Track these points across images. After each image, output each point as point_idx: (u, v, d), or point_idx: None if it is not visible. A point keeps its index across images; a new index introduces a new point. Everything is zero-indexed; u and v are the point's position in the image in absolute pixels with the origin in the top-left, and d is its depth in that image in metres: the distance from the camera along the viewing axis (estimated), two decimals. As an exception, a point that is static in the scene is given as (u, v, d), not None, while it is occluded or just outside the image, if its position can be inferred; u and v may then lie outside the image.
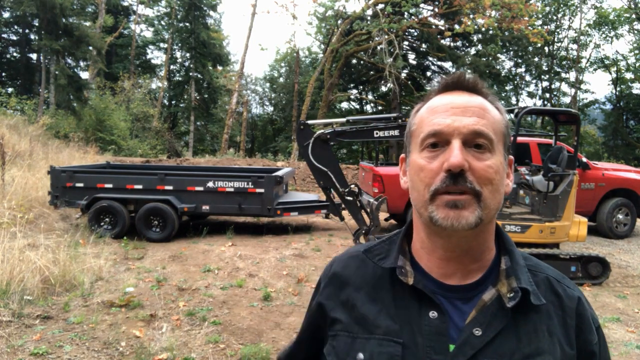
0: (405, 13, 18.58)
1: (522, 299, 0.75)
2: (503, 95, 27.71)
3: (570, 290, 0.82)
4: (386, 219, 8.84)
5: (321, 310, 0.88)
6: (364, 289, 0.84)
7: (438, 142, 0.75)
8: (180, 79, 30.04)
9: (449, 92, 0.80)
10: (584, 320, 0.80)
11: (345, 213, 6.58)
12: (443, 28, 19.11)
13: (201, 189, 7.20)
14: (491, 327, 0.74)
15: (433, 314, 0.76)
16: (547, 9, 25.68)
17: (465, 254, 0.79)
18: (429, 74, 26.72)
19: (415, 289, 0.79)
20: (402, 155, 0.87)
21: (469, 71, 22.45)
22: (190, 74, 28.04)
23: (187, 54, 28.81)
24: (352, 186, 5.80)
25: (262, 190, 7.20)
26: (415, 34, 23.23)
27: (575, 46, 26.74)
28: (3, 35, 25.60)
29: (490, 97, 0.80)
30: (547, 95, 27.99)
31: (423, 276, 0.81)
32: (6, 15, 23.02)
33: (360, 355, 0.78)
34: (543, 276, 0.82)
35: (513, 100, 28.54)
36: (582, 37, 26.33)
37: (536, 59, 26.75)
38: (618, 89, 26.33)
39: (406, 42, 23.61)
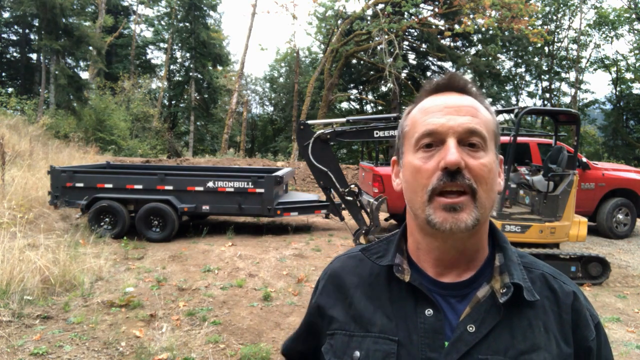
0: (405, 13, 18.58)
1: (515, 295, 0.76)
2: (503, 95, 27.68)
3: (566, 286, 0.82)
4: (386, 219, 8.85)
5: (319, 309, 0.90)
6: (361, 287, 0.85)
7: (433, 141, 0.76)
8: (180, 79, 30.03)
9: (440, 93, 0.81)
10: (580, 316, 0.79)
11: (345, 213, 6.58)
12: (443, 28, 19.11)
13: (201, 189, 7.21)
14: (485, 323, 0.75)
15: (429, 311, 0.77)
16: (547, 9, 25.66)
17: (461, 254, 0.79)
18: (429, 74, 26.68)
19: (411, 287, 0.80)
20: (394, 158, 0.88)
21: (468, 71, 22.47)
22: (190, 74, 28.04)
23: (187, 54, 28.82)
24: (352, 186, 5.80)
25: (262, 190, 7.21)
26: (415, 34, 23.22)
27: (575, 46, 26.74)
28: (3, 35, 25.62)
29: (479, 97, 0.81)
30: (547, 95, 27.98)
31: (419, 274, 0.82)
32: (6, 15, 23.04)
33: (357, 353, 0.79)
34: (539, 272, 0.83)
35: (513, 100, 28.52)
36: (582, 37, 26.32)
37: (536, 59, 26.74)
38: (618, 89, 26.32)
39: (406, 42, 23.59)
